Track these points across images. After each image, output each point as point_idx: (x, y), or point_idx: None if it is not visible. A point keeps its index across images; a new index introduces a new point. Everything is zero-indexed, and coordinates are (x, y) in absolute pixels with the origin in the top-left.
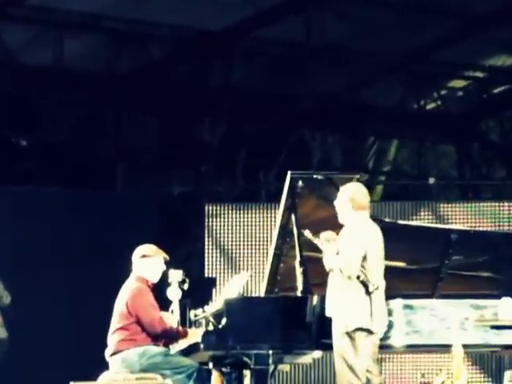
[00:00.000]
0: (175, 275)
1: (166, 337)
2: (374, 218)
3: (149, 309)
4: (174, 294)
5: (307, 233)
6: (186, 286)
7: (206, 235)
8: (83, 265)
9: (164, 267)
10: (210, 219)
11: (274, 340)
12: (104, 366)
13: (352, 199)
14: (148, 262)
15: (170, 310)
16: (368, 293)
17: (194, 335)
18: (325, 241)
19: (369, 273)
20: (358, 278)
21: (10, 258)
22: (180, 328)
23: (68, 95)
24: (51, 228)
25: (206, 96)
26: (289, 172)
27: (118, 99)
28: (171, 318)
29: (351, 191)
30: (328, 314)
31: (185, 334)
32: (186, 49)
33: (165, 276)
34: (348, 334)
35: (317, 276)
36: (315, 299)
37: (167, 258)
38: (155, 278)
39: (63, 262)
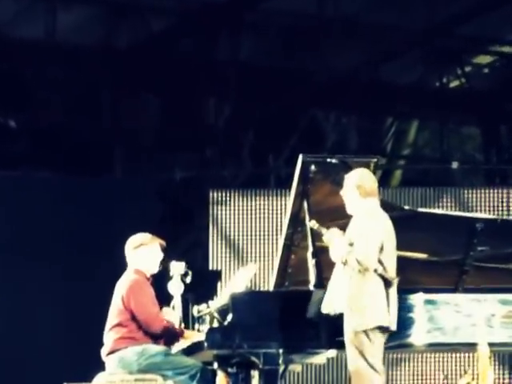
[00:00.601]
0: (177, 267)
1: (164, 335)
2: (392, 205)
3: (145, 304)
4: (175, 287)
5: (313, 223)
6: (188, 280)
7: (211, 224)
8: (78, 257)
9: (161, 255)
10: (215, 207)
11: (284, 338)
12: (100, 365)
13: (359, 186)
14: (143, 251)
15: (172, 305)
16: (386, 287)
17: (192, 335)
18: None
19: (385, 265)
20: (375, 270)
21: None
22: (177, 327)
23: (61, 72)
24: (42, 217)
25: (211, 73)
26: (300, 155)
27: (116, 77)
28: (172, 314)
29: (357, 177)
30: (337, 310)
31: (182, 333)
32: (189, 22)
33: (166, 268)
34: (365, 331)
35: (331, 268)
36: None
37: (163, 244)
38: (154, 268)
39: (56, 253)
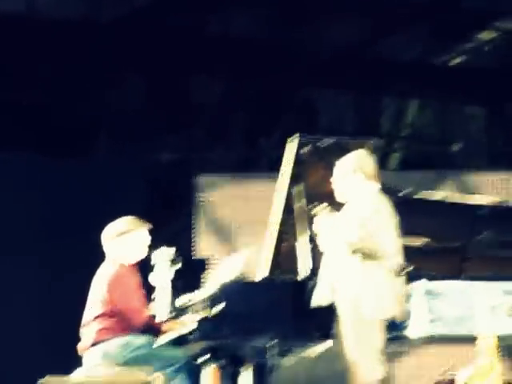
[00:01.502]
0: (164, 254)
1: (147, 330)
2: (390, 188)
3: (129, 297)
4: (162, 275)
5: (320, 208)
6: (178, 266)
7: (198, 210)
8: (57, 242)
9: (149, 239)
10: (203, 191)
11: (276, 329)
12: (79, 358)
13: (362, 167)
14: (128, 238)
15: (153, 296)
16: (397, 275)
17: (180, 325)
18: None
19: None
20: (386, 258)
21: None
22: (163, 320)
23: (41, 48)
24: (20, 200)
25: (199, 50)
26: (294, 137)
27: (99, 53)
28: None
29: (360, 159)
30: (346, 297)
31: (165, 328)
32: None
33: (150, 256)
34: (376, 321)
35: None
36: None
37: (150, 226)
38: (140, 255)
39: (34, 239)
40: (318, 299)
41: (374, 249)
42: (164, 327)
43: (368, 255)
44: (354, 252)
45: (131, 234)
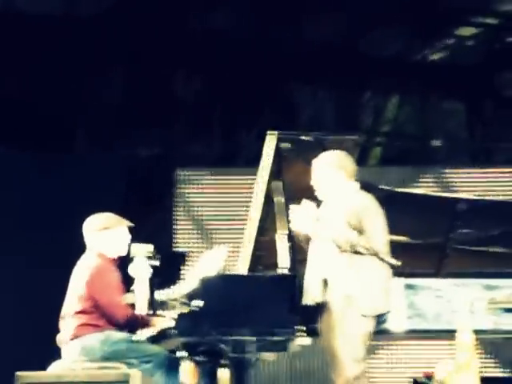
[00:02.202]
0: (142, 250)
1: (129, 323)
2: (370, 184)
3: (109, 292)
4: (140, 271)
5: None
6: (156, 263)
7: (177, 204)
8: (35, 237)
9: (129, 237)
10: (182, 185)
11: (255, 324)
12: (55, 353)
13: (344, 166)
14: (108, 235)
15: (132, 288)
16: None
17: (157, 322)
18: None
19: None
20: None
21: None
22: (144, 313)
23: (19, 42)
24: None
25: (179, 44)
26: (273, 132)
27: (77, 47)
28: (132, 299)
29: (342, 157)
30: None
31: (147, 321)
32: None
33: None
34: (369, 316)
35: (306, 252)
36: None
37: (131, 224)
38: (120, 252)
39: (12, 233)
40: (308, 297)
41: (367, 245)
42: (152, 321)
43: (360, 252)
44: (346, 249)
45: (113, 230)
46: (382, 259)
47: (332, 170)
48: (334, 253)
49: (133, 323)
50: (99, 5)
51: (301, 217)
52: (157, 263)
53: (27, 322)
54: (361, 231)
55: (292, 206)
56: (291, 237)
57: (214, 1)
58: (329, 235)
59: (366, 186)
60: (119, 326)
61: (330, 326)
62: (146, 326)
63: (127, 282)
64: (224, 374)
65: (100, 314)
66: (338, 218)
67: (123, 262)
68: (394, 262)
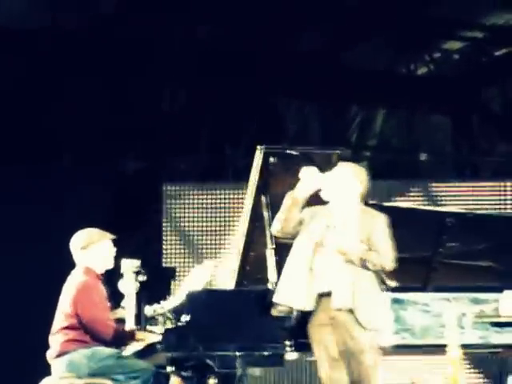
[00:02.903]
0: (129, 265)
1: (115, 340)
2: None
3: (93, 311)
4: (127, 286)
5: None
6: (142, 278)
7: (165, 219)
8: (21, 251)
9: (114, 250)
10: (169, 200)
11: (242, 339)
12: (45, 369)
13: (363, 181)
14: (93, 251)
15: (122, 304)
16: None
17: (145, 337)
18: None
19: None
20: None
21: None
22: (129, 329)
23: (5, 54)
24: None
25: (165, 57)
26: (259, 146)
27: (63, 60)
28: (121, 314)
29: (363, 173)
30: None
31: (133, 336)
32: (142, 2)
33: (117, 265)
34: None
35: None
36: None
37: (113, 237)
38: (107, 266)
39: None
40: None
41: (376, 261)
42: (137, 335)
43: (365, 267)
44: (354, 262)
45: (94, 246)
46: (380, 277)
47: (354, 182)
48: (341, 265)
49: (119, 339)
50: (85, 17)
51: (309, 176)
52: (143, 278)
53: (19, 337)
54: (369, 246)
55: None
56: (278, 251)
57: (200, 14)
58: (341, 245)
59: None
60: (105, 343)
61: (333, 339)
62: (132, 341)
63: (116, 298)
64: None
65: (85, 331)
66: (351, 230)
67: (111, 278)
68: (391, 282)
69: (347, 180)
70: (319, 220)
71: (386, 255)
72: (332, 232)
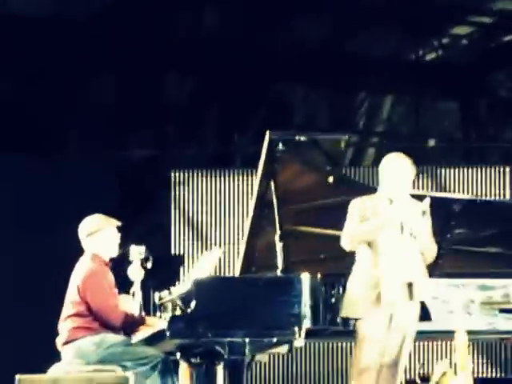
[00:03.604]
0: (137, 252)
1: (124, 326)
2: (364, 185)
3: (102, 296)
4: (135, 273)
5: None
6: (149, 265)
7: (172, 206)
8: (29, 242)
9: (119, 236)
10: (177, 188)
11: (250, 326)
12: (55, 356)
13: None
14: (98, 237)
15: (132, 292)
16: None
17: (154, 323)
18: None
19: None
20: None
21: None
22: (138, 315)
23: (10, 45)
24: None
25: (171, 45)
26: (267, 133)
27: (69, 50)
28: (131, 302)
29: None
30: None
31: (143, 322)
32: None
33: (125, 253)
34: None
35: (301, 253)
36: (304, 279)
37: (119, 224)
38: (112, 253)
39: (4, 239)
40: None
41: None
42: (146, 322)
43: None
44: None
45: (99, 233)
46: None
47: (412, 174)
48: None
49: (127, 326)
50: (92, 7)
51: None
52: (149, 265)
53: (29, 324)
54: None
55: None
56: (285, 238)
57: (204, 2)
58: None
59: (363, 187)
60: (114, 329)
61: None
62: (141, 328)
63: (123, 285)
64: (220, 376)
65: (94, 318)
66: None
67: (119, 265)
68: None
69: (410, 173)
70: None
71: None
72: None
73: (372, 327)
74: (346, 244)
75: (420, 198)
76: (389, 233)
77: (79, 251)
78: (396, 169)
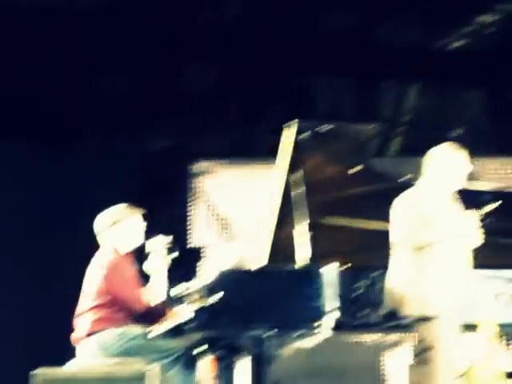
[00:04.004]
0: (163, 242)
1: (147, 317)
2: (391, 176)
3: (126, 286)
4: (159, 264)
5: None
6: (174, 255)
7: (194, 197)
8: (48, 235)
9: (144, 225)
10: (198, 178)
11: (274, 319)
12: (69, 352)
13: None
14: (122, 227)
15: (148, 284)
16: None
17: (175, 315)
18: None
19: None
20: None
21: None
22: (161, 307)
23: (27, 32)
24: (8, 191)
25: (193, 34)
26: (292, 122)
27: (88, 38)
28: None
29: None
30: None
31: (163, 315)
32: None
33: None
34: None
35: (326, 245)
36: (328, 272)
37: (143, 212)
38: (137, 242)
39: (23, 231)
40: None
41: None
42: (168, 314)
43: None
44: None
45: (124, 222)
46: None
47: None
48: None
49: (150, 317)
50: None
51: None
52: (175, 255)
53: (44, 320)
54: None
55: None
56: (312, 229)
57: None
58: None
59: (388, 177)
60: (138, 320)
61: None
62: (163, 320)
63: (147, 275)
64: (243, 369)
65: (117, 309)
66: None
67: (139, 256)
68: None
69: (466, 165)
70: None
71: None
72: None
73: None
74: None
75: None
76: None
77: (97, 244)
78: (452, 162)
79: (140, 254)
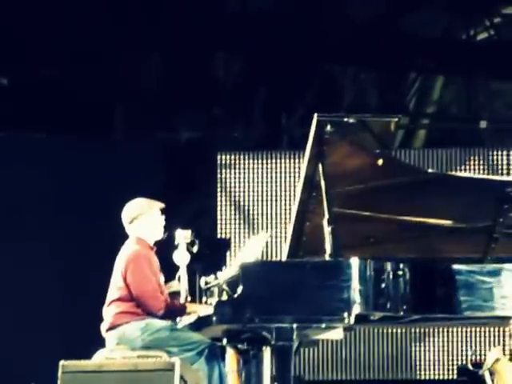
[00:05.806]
0: (183, 236)
1: (164, 316)
2: (415, 168)
3: (141, 281)
4: (181, 257)
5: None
6: (195, 249)
7: (219, 189)
8: (75, 226)
9: (163, 219)
10: (224, 170)
11: (298, 311)
12: (100, 342)
13: None
14: (141, 222)
15: (177, 276)
16: None
17: (196, 310)
18: None
19: None
20: None
21: None
22: (179, 303)
23: (56, 24)
24: (36, 182)
25: (218, 24)
26: (315, 115)
27: (115, 29)
28: (177, 287)
29: None
30: None
31: (183, 310)
32: None
33: (171, 236)
34: None
35: (350, 237)
36: (353, 264)
37: (162, 206)
38: (157, 236)
39: (51, 222)
40: None
41: None
42: (188, 308)
43: None
44: None
45: (142, 217)
46: None
47: None
48: None
49: (169, 313)
50: None
51: None
52: (195, 249)
53: (74, 310)
54: None
55: None
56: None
57: None
58: None
59: (414, 170)
60: (153, 315)
61: None
62: (184, 314)
63: (169, 269)
64: (267, 361)
65: (137, 303)
66: None
67: (165, 249)
68: None
69: None
70: None
71: None
72: None
73: None
74: None
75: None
76: None
77: (125, 236)
78: None
79: (169, 245)
